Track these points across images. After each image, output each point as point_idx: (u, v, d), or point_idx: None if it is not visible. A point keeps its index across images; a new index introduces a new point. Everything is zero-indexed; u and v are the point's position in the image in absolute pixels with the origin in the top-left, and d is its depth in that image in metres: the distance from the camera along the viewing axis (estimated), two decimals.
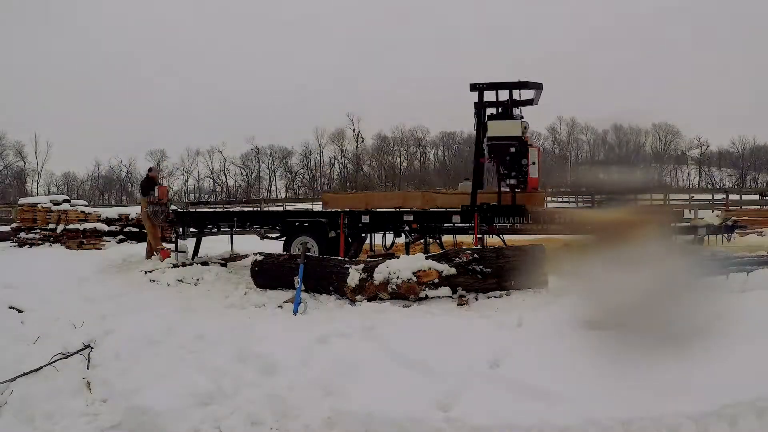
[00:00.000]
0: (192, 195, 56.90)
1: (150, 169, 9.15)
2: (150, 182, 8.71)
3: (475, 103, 7.31)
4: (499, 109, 7.36)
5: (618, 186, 4.48)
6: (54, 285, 6.33)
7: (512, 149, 6.96)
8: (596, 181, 5.28)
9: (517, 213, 7.03)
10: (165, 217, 8.31)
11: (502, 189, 7.23)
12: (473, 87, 7.28)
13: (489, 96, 7.30)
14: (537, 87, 7.28)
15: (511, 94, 7.26)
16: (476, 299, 5.28)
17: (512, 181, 6.99)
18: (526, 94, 7.43)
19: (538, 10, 75.61)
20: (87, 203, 13.89)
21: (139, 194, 8.91)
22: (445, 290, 5.34)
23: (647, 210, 4.21)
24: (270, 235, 8.03)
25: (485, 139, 7.13)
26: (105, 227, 11.09)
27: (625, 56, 67.91)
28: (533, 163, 6.93)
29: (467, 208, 7.12)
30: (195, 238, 8.34)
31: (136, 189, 54.81)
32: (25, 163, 54.87)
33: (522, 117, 7.33)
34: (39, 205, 11.48)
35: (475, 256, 5.46)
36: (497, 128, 7.07)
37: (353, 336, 4.10)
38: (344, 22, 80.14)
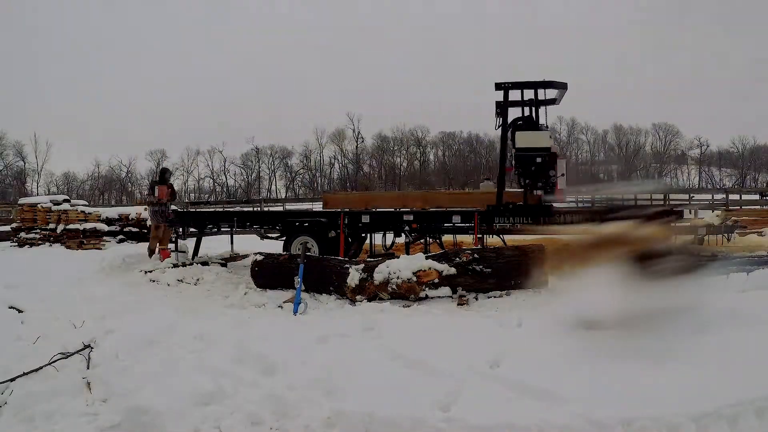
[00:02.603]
0: (192, 195, 56.96)
1: (165, 171, 9.07)
2: (162, 183, 8.67)
3: (499, 102, 7.26)
4: (524, 111, 7.34)
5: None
6: (54, 285, 6.33)
7: (540, 160, 6.91)
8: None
9: (544, 212, 7.01)
10: (165, 217, 8.31)
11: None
12: (498, 86, 7.21)
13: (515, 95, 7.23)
14: (562, 87, 7.24)
15: (536, 94, 7.19)
16: (476, 299, 5.28)
17: (539, 192, 6.96)
18: (549, 93, 7.38)
19: (537, 8, 75.74)
20: (87, 203, 13.92)
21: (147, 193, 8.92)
22: (445, 290, 5.34)
23: (648, 224, 4.21)
24: (270, 235, 8.04)
25: (513, 150, 7.10)
26: (105, 227, 11.11)
27: (625, 55, 68.02)
28: (562, 174, 6.93)
29: (493, 208, 7.11)
30: (195, 238, 8.34)
31: (137, 189, 54.90)
32: (25, 163, 54.89)
33: (546, 126, 7.34)
34: (39, 205, 11.51)
35: (475, 256, 5.46)
36: (526, 139, 7.01)
37: (353, 336, 4.10)
38: (344, 21, 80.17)
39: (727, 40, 68.77)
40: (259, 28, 79.50)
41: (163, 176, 8.94)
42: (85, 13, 74.07)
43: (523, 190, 7.22)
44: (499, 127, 7.41)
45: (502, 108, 7.22)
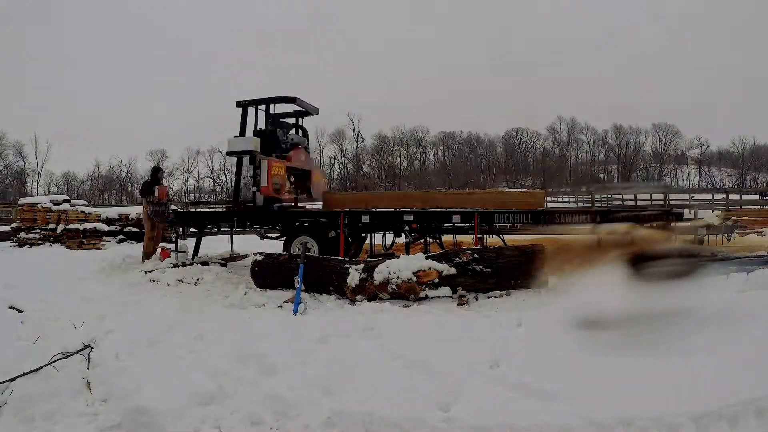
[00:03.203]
0: (192, 195, 56.95)
1: (157, 170, 9.13)
2: (155, 183, 8.70)
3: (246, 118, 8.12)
4: (298, 121, 8.77)
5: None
6: (54, 285, 6.33)
7: (246, 161, 7.93)
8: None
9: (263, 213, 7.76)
10: (165, 217, 8.31)
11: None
12: (239, 104, 8.17)
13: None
14: (290, 101, 8.13)
15: (267, 108, 8.09)
16: (476, 299, 5.28)
17: (254, 188, 7.74)
18: (307, 106, 8.46)
19: (538, 8, 75.72)
20: (87, 203, 13.91)
21: (139, 195, 8.92)
22: (445, 290, 5.34)
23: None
24: (270, 235, 8.04)
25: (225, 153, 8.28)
26: (105, 227, 11.12)
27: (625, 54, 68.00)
28: (263, 173, 7.58)
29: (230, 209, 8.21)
30: (195, 238, 8.34)
31: (137, 189, 54.83)
32: (25, 163, 54.95)
33: (304, 134, 8.74)
34: (39, 205, 11.51)
35: (475, 256, 5.46)
36: (232, 144, 7.97)
37: (353, 336, 4.10)
38: (344, 21, 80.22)
39: (728, 40, 68.77)
40: (260, 27, 79.57)
41: (155, 176, 8.92)
42: (86, 12, 74.15)
43: None
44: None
45: (242, 124, 8.06)
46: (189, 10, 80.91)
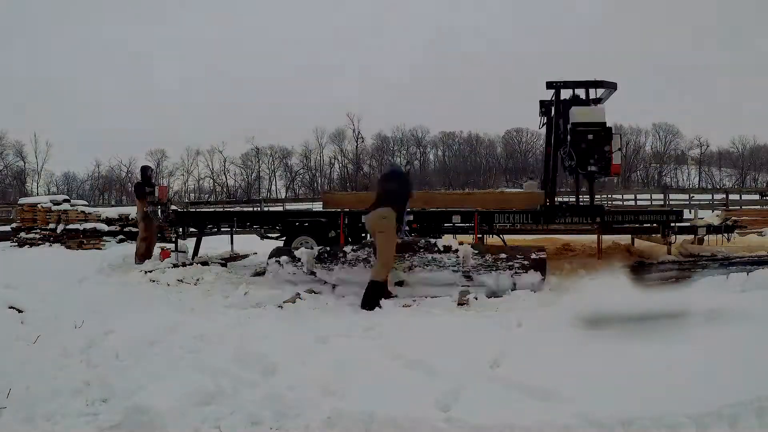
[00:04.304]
0: (192, 195, 56.97)
1: (146, 169, 9.08)
2: (146, 183, 8.69)
3: (543, 101, 7.53)
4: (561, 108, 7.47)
5: None
6: (54, 285, 6.32)
7: (596, 135, 6.91)
8: None
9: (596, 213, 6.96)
10: (165, 216, 8.31)
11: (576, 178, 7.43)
12: (550, 85, 7.33)
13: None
14: (612, 86, 7.33)
15: (587, 93, 7.33)
16: (476, 299, 5.28)
17: (593, 168, 6.90)
18: (596, 93, 7.49)
19: (534, 8, 75.77)
20: (87, 203, 13.91)
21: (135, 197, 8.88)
22: None
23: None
24: (270, 235, 8.04)
25: (569, 126, 7.07)
26: (105, 227, 11.11)
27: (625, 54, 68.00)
28: (619, 149, 6.94)
29: (543, 208, 7.12)
30: (195, 238, 8.34)
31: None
32: (25, 163, 54.98)
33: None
34: (39, 205, 11.52)
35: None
36: (582, 114, 7.00)
37: (353, 336, 4.10)
38: (344, 21, 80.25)
39: (728, 40, 68.82)
40: (260, 27, 79.59)
41: (145, 174, 8.88)
42: (87, 13, 74.21)
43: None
44: (543, 125, 7.62)
45: (555, 106, 7.32)
46: (188, 9, 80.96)
